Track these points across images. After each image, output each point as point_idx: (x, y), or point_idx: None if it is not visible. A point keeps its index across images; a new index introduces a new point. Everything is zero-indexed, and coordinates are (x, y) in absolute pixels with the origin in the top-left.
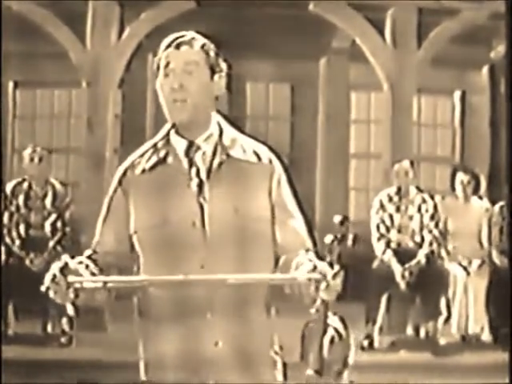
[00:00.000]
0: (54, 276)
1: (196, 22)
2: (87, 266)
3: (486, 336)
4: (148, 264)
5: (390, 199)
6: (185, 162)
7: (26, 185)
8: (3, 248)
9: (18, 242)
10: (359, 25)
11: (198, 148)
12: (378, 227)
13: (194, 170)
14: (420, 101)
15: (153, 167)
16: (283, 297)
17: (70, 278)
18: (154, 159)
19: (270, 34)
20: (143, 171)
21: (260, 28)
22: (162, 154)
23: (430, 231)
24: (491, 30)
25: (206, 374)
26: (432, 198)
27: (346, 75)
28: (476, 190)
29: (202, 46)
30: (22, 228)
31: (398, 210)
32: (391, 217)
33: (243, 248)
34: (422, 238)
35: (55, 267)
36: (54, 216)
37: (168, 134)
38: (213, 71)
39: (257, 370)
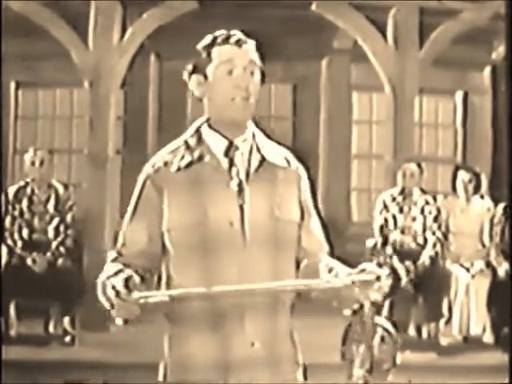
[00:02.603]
0: (118, 292)
1: (198, 22)
2: (130, 277)
3: (488, 337)
4: (180, 264)
5: (394, 199)
6: (224, 162)
7: (29, 189)
8: (5, 248)
9: (20, 243)
10: (361, 25)
11: (237, 148)
12: (381, 227)
13: (234, 170)
14: (422, 101)
15: (188, 165)
16: (307, 298)
17: (136, 294)
18: (189, 157)
19: (271, 34)
20: (178, 169)
21: (262, 28)
22: (197, 152)
23: (433, 233)
24: (492, 31)
25: (241, 374)
26: (435, 199)
27: (348, 76)
28: (477, 189)
29: (258, 48)
30: (25, 232)
31: (401, 210)
32: (394, 217)
33: (277, 251)
34: (425, 240)
35: (118, 282)
36: (56, 220)
37: (198, 130)
38: (263, 74)
39: (284, 369)
